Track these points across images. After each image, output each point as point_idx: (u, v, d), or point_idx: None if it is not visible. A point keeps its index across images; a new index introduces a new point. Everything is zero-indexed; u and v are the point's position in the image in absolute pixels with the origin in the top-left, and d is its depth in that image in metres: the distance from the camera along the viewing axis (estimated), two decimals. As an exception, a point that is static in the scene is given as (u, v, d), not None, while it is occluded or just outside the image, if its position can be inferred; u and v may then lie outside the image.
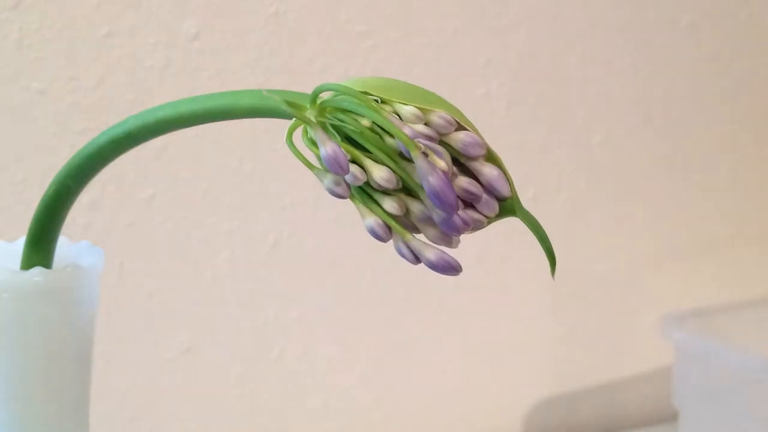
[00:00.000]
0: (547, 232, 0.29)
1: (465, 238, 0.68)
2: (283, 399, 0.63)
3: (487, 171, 0.28)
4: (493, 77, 0.65)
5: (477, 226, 0.28)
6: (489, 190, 0.28)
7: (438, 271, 0.28)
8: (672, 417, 0.68)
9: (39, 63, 0.53)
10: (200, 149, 0.58)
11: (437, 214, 0.27)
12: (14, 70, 0.53)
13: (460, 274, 0.28)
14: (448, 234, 0.28)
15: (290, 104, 0.28)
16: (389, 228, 0.28)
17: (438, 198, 0.27)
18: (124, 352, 0.58)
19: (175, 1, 0.56)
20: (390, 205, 0.28)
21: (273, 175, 0.60)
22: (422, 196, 0.28)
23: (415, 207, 0.28)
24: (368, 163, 0.27)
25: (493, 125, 0.65)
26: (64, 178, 0.33)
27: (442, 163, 0.27)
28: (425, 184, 0.27)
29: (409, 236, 0.28)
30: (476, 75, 0.64)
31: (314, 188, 0.61)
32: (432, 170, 0.27)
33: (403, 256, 0.28)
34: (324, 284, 0.63)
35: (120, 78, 0.55)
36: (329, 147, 0.27)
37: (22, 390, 0.34)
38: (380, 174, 0.27)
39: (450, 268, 0.28)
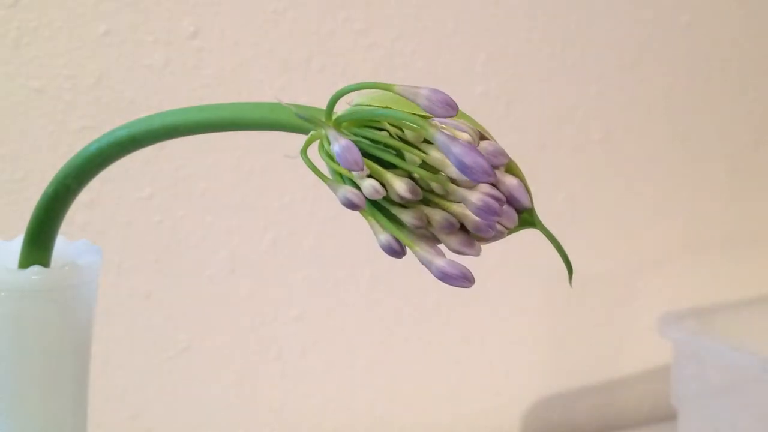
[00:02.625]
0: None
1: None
2: (282, 398, 0.63)
3: (508, 181, 0.28)
4: (492, 76, 0.65)
5: (496, 236, 0.28)
6: (509, 200, 0.27)
7: (449, 282, 0.27)
8: (670, 416, 0.68)
9: (37, 61, 0.53)
10: (199, 148, 0.58)
11: (471, 204, 0.27)
12: (12, 68, 0.53)
13: (472, 285, 0.27)
14: (481, 229, 0.27)
15: (305, 117, 0.28)
16: (400, 244, 0.27)
17: (468, 167, 0.26)
18: (123, 350, 0.58)
19: (173, 0, 0.56)
20: (410, 216, 0.27)
21: (272, 173, 0.60)
22: (445, 204, 0.27)
23: (438, 215, 0.27)
24: (389, 176, 0.27)
25: (492, 124, 0.65)
26: (64, 177, 0.33)
27: (465, 134, 0.27)
28: (452, 158, 0.26)
29: (416, 247, 0.27)
30: (475, 73, 0.64)
31: (313, 187, 0.61)
32: (453, 141, 0.26)
33: (436, 277, 0.27)
34: (323, 283, 0.63)
35: (118, 76, 0.55)
36: (342, 142, 0.27)
37: (20, 388, 0.34)
38: (402, 186, 0.27)
39: (462, 278, 0.27)
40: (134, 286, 0.58)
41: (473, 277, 0.27)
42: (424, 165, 0.27)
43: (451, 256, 0.28)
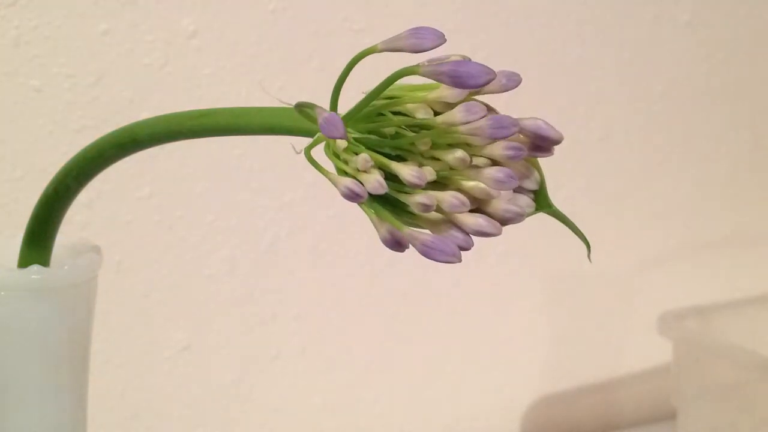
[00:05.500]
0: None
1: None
2: (282, 398, 0.63)
3: (529, 122, 0.27)
4: (492, 75, 0.65)
5: (515, 219, 0.27)
6: (535, 139, 0.27)
7: (433, 256, 0.26)
8: (670, 416, 0.68)
9: (37, 61, 0.53)
10: (199, 147, 0.58)
11: (484, 129, 0.26)
12: (12, 67, 0.53)
13: (459, 261, 0.26)
14: (503, 181, 0.26)
15: (307, 117, 0.28)
16: (402, 235, 0.27)
17: (463, 74, 0.26)
18: (122, 350, 0.58)
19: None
20: (420, 197, 0.26)
21: (271, 172, 0.60)
22: (460, 178, 0.27)
23: (447, 195, 0.26)
24: (395, 165, 0.26)
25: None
26: (64, 176, 0.33)
27: (454, 57, 0.27)
28: (445, 79, 0.26)
29: (405, 229, 0.27)
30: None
31: (313, 186, 0.61)
32: (441, 63, 0.26)
33: (421, 253, 0.26)
34: (323, 283, 0.63)
35: (118, 76, 0.55)
36: (325, 115, 0.26)
37: (20, 389, 0.34)
38: (408, 171, 0.26)
39: (450, 253, 0.26)
40: (133, 285, 0.58)
41: (460, 252, 0.26)
42: (435, 149, 0.27)
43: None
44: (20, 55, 0.53)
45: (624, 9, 0.69)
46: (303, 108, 0.28)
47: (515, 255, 0.68)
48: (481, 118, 0.26)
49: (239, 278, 0.60)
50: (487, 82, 0.26)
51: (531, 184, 0.28)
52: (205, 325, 0.60)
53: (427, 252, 0.26)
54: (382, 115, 0.28)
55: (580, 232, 0.28)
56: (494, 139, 0.26)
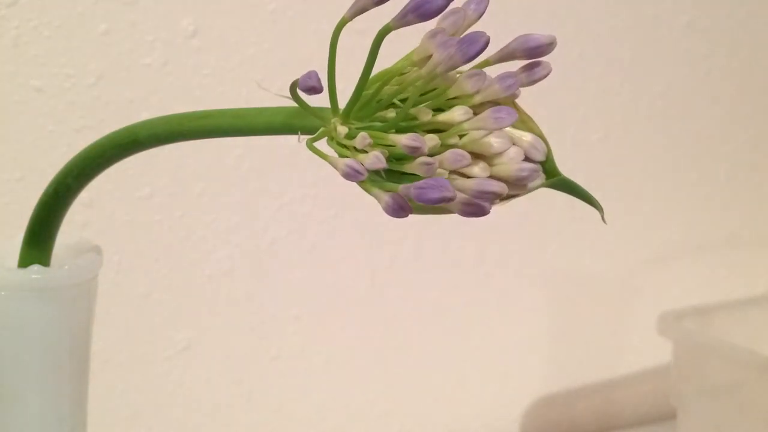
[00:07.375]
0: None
1: (463, 236, 0.68)
2: (282, 398, 0.63)
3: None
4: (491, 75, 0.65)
5: (532, 176, 0.27)
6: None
7: (427, 196, 0.25)
8: (670, 416, 0.68)
9: (37, 60, 0.53)
10: (198, 147, 0.58)
11: (458, 50, 0.26)
12: (12, 67, 0.53)
13: (453, 197, 0.25)
14: (504, 115, 0.27)
15: (315, 114, 0.28)
16: (403, 199, 0.26)
17: (421, 3, 0.27)
18: (122, 350, 0.58)
19: (173, -1, 0.56)
20: (421, 160, 0.26)
21: (271, 173, 0.60)
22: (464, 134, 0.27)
23: (447, 153, 0.26)
24: (392, 136, 0.26)
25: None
26: (64, 176, 0.33)
27: None
28: (410, 18, 0.27)
29: (399, 187, 0.26)
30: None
31: (313, 186, 0.61)
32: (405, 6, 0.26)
33: (416, 198, 0.26)
34: (322, 283, 0.63)
35: (118, 75, 0.55)
36: (305, 73, 0.27)
37: (20, 388, 0.34)
38: (407, 137, 0.26)
39: (440, 187, 0.25)
40: (133, 285, 0.58)
41: (452, 187, 0.25)
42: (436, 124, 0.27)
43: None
44: (20, 54, 0.53)
45: (624, 9, 0.69)
46: (295, 88, 0.28)
47: (515, 255, 0.68)
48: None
49: (239, 278, 0.60)
50: (448, 3, 0.27)
51: (538, 155, 0.28)
52: (205, 325, 0.60)
53: (421, 194, 0.25)
54: (379, 100, 0.28)
55: (592, 196, 0.29)
56: (471, 59, 0.27)
